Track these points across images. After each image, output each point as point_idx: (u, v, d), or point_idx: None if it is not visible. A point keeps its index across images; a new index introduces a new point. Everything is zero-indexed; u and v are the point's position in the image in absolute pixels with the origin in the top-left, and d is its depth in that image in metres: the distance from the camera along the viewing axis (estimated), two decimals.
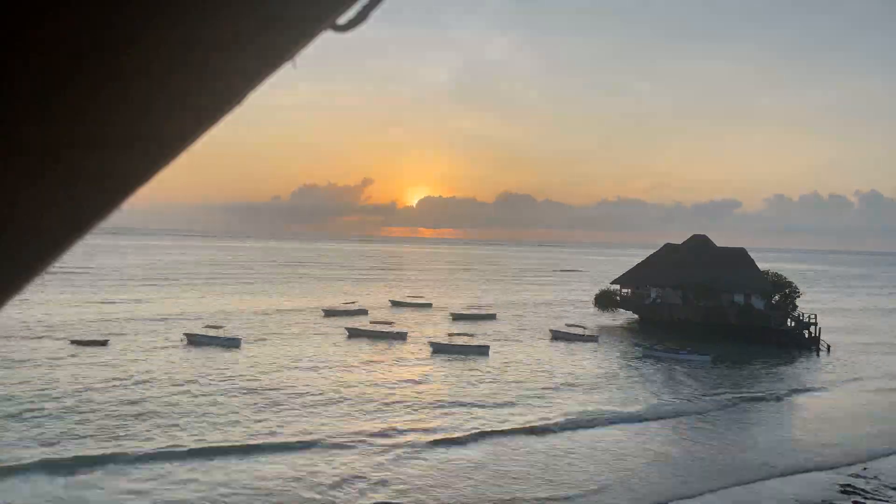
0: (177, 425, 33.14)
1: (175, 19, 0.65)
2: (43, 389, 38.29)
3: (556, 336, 65.49)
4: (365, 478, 27.94)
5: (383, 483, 27.52)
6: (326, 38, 0.84)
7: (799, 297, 72.18)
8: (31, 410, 34.41)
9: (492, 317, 79.21)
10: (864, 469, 31.68)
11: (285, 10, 0.72)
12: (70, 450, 29.22)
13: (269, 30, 0.72)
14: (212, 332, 55.78)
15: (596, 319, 76.62)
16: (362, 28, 0.86)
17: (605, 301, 77.85)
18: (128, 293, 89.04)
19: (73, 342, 52.14)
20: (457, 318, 77.30)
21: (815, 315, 66.90)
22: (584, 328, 67.42)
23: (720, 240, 78.63)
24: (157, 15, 0.64)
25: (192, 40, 0.67)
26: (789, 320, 67.79)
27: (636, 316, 76.02)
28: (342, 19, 0.81)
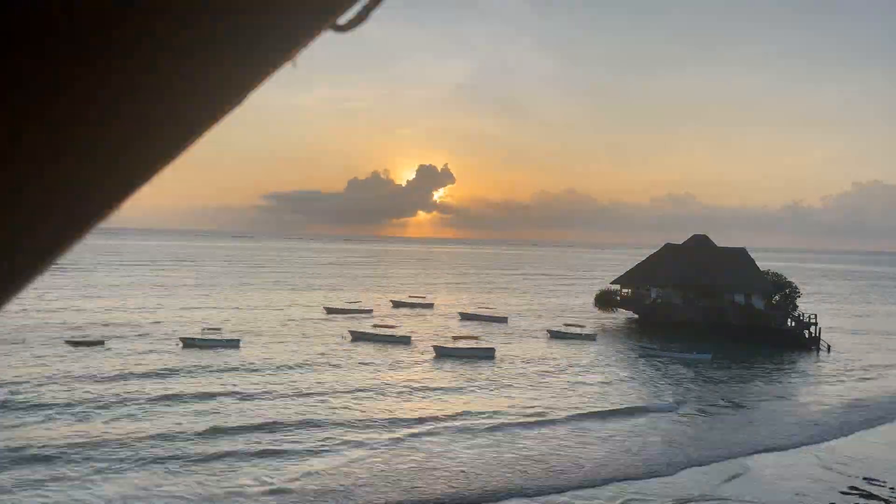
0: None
1: (175, 20, 0.65)
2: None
3: (554, 335, 65.44)
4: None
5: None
6: (329, 38, 0.83)
7: (799, 297, 72.19)
8: None
9: (503, 320, 77.13)
10: (864, 469, 31.61)
11: (285, 10, 0.72)
12: None
13: (269, 30, 0.72)
14: (210, 335, 55.46)
15: (596, 319, 76.56)
16: (363, 28, 0.85)
17: (605, 301, 77.81)
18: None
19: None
20: (465, 318, 76.63)
21: (815, 315, 66.94)
22: (582, 327, 67.46)
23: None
24: (157, 16, 0.64)
25: (192, 40, 0.67)
26: (789, 320, 67.77)
27: (636, 316, 76.01)
28: (342, 19, 0.81)
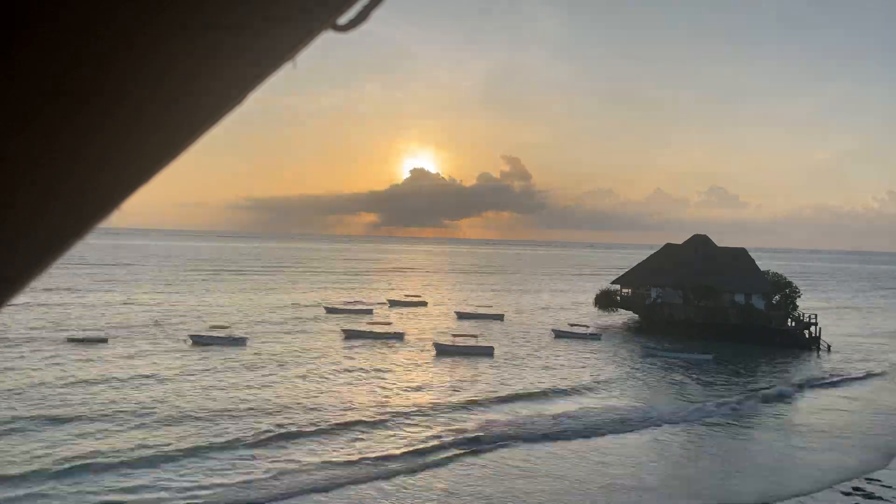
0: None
1: (175, 19, 0.64)
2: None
3: (559, 335, 65.90)
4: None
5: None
6: (328, 38, 0.83)
7: (799, 297, 72.51)
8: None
9: (499, 317, 78.28)
10: (865, 469, 31.92)
11: (285, 10, 0.73)
12: None
13: (269, 30, 0.72)
14: (217, 333, 56.10)
15: (597, 320, 76.84)
16: (363, 28, 0.85)
17: (605, 301, 78.04)
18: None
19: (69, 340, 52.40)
20: (462, 317, 77.38)
21: (816, 315, 67.30)
22: (587, 327, 67.91)
23: None
24: (157, 15, 0.63)
25: (192, 40, 0.66)
26: (790, 320, 68.12)
27: (637, 316, 76.30)
28: (342, 19, 0.81)
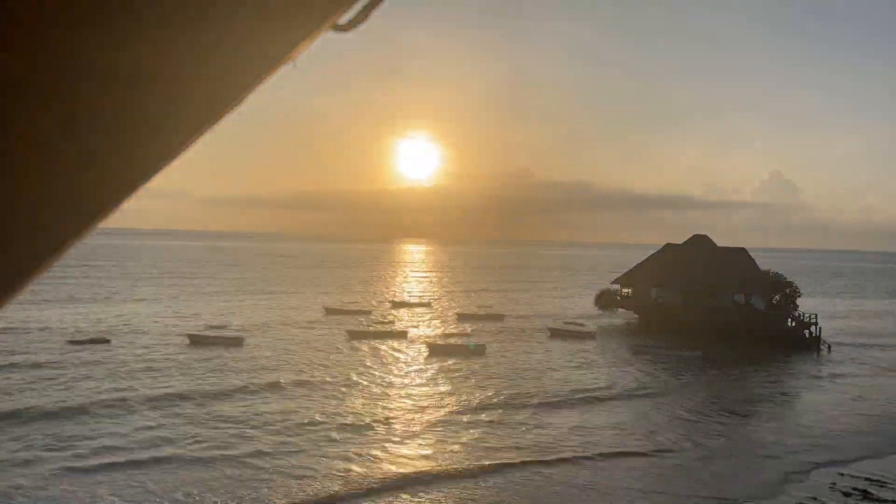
0: None
1: (175, 19, 0.65)
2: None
3: (555, 334, 65.79)
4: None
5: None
6: (330, 38, 0.84)
7: (799, 297, 72.23)
8: None
9: (499, 317, 77.97)
10: (866, 469, 31.65)
11: (285, 10, 0.73)
12: None
13: (269, 30, 0.73)
14: (214, 332, 56.04)
15: (596, 319, 76.64)
16: (363, 28, 0.86)
17: (605, 301, 77.87)
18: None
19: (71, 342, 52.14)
20: (462, 318, 77.16)
21: (816, 315, 66.98)
22: (582, 325, 67.79)
23: None
24: (156, 15, 0.64)
25: (191, 40, 0.67)
26: (790, 320, 67.81)
27: (636, 316, 76.06)
28: (343, 19, 0.82)
